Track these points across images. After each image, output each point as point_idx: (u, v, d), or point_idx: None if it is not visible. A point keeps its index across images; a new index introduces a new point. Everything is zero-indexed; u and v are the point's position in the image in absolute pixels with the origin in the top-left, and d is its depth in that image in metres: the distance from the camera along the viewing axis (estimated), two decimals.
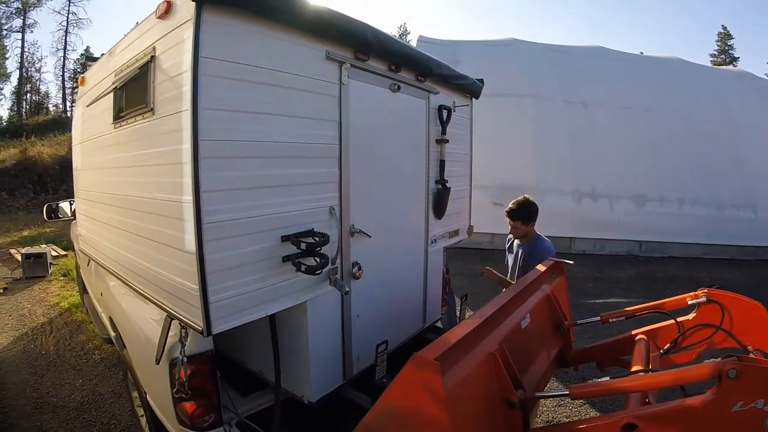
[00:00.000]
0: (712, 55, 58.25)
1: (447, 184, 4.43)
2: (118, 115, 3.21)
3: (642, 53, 19.86)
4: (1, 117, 43.61)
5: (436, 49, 14.94)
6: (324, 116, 3.04)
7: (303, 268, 2.74)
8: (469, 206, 5.29)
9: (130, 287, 3.38)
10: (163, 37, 2.56)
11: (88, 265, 5.46)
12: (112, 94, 3.30)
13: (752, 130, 14.71)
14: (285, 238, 2.74)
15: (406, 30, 68.71)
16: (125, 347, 4.05)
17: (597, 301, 9.07)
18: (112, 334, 4.68)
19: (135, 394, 4.38)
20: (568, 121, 14.38)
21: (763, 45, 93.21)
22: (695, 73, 16.19)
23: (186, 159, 2.27)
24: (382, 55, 3.49)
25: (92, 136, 4.01)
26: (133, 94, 2.89)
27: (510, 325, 2.86)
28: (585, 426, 2.41)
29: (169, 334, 2.93)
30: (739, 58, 57.18)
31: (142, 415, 4.24)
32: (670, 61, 17.12)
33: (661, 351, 3.07)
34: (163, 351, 2.94)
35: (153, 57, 2.66)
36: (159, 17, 2.56)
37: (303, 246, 2.76)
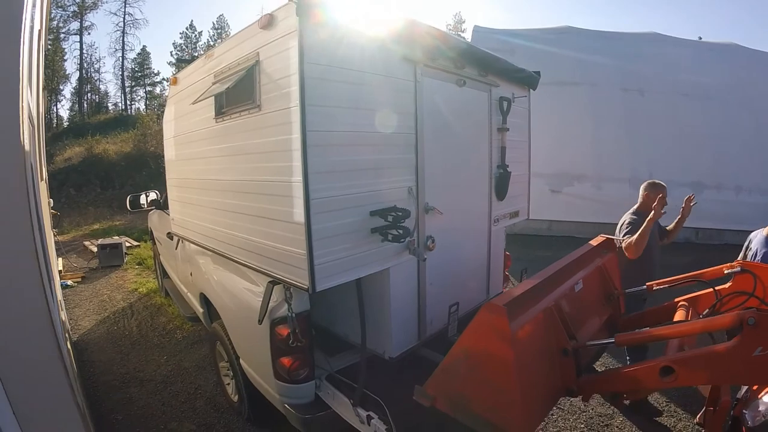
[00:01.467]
0: None
1: (508, 169, 4.83)
2: (220, 111, 3.73)
3: (701, 38, 19.36)
4: (63, 117, 45.35)
5: (491, 38, 15.22)
6: (403, 109, 3.52)
7: (390, 237, 3.26)
8: (528, 190, 5.65)
9: (232, 261, 3.90)
10: (267, 44, 3.05)
11: (176, 249, 5.96)
12: (209, 90, 3.77)
13: None
14: (373, 213, 3.24)
15: (461, 18, 68.50)
16: (219, 318, 4.58)
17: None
18: (200, 310, 5.27)
19: (222, 363, 4.89)
20: (624, 109, 14.25)
21: None
22: (754, 59, 15.71)
23: (296, 147, 2.78)
24: (448, 55, 3.92)
25: (189, 130, 4.53)
26: (237, 92, 3.35)
27: (564, 288, 3.26)
28: (631, 370, 2.85)
29: (272, 298, 3.41)
30: None
31: (228, 384, 4.82)
32: (727, 46, 16.66)
33: (701, 316, 3.29)
34: (265, 313, 3.43)
35: (258, 61, 3.14)
36: (262, 27, 3.04)
37: (389, 218, 3.26)
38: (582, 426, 4.61)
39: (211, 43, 57.00)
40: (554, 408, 4.72)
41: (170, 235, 5.96)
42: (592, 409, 4.85)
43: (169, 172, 5.47)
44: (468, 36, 21.73)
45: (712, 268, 3.76)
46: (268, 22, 2.98)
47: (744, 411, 3.12)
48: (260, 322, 3.46)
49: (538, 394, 2.83)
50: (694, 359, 2.65)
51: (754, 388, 3.20)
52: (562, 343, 2.94)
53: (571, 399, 4.88)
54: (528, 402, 2.64)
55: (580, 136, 13.99)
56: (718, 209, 13.46)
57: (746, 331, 2.41)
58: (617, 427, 4.58)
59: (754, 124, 14.01)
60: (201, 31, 55.49)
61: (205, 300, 5.06)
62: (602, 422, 4.66)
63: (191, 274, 5.42)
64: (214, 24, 58.90)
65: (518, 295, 2.78)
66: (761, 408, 2.97)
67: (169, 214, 5.82)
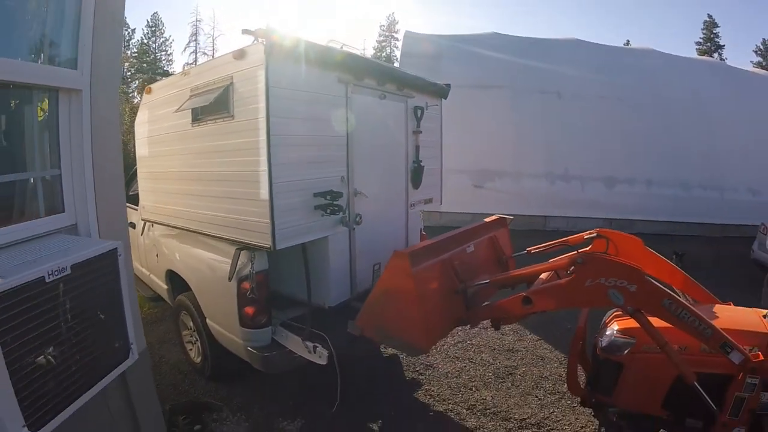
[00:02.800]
0: (697, 43, 59.11)
1: (422, 164, 6.07)
2: (196, 118, 4.80)
3: (628, 42, 20.22)
4: None
5: (421, 43, 16.15)
6: (337, 118, 4.70)
7: (328, 210, 4.46)
8: (440, 181, 6.91)
9: (205, 235, 4.95)
10: (239, 71, 4.17)
11: (141, 235, 6.77)
12: (189, 101, 4.80)
13: (721, 117, 15.23)
14: (316, 194, 4.43)
15: (395, 19, 69.89)
16: (184, 291, 5.58)
17: None
18: (164, 287, 6.17)
19: (185, 332, 5.83)
20: (543, 110, 15.09)
21: (747, 34, 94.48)
22: (669, 64, 16.66)
23: (263, 146, 3.93)
24: (372, 76, 5.14)
25: (165, 132, 5.51)
26: (213, 104, 4.41)
27: (459, 249, 4.43)
28: (502, 301, 3.91)
29: (239, 261, 4.47)
30: (724, 46, 58.05)
31: (191, 349, 5.77)
32: (645, 52, 17.55)
33: (568, 272, 3.75)
34: (234, 272, 4.48)
35: (232, 83, 4.26)
36: (235, 58, 4.18)
37: (327, 198, 4.46)
38: (490, 374, 5.69)
39: (145, 41, 57.01)
40: (466, 362, 5.93)
41: (132, 224, 6.70)
42: (499, 362, 5.97)
43: (141, 167, 6.32)
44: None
45: (576, 235, 4.65)
46: (241, 54, 4.11)
47: (599, 338, 3.89)
48: (230, 279, 4.50)
49: (437, 319, 3.95)
50: (544, 290, 3.69)
51: (607, 321, 4.02)
52: (453, 284, 4.08)
53: (482, 355, 6.11)
54: (428, 323, 3.79)
55: (502, 135, 14.88)
56: (630, 201, 14.59)
57: (577, 268, 3.42)
58: (519, 375, 5.67)
59: (666, 124, 15.05)
60: (134, 29, 55.32)
61: (170, 277, 5.97)
62: (507, 372, 5.74)
63: (157, 256, 6.27)
64: (148, 22, 58.79)
65: (419, 248, 4.00)
66: (608, 333, 3.83)
67: (135, 208, 6.68)
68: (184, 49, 64.52)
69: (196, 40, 63.40)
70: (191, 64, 59.99)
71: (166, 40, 61.48)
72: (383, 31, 69.73)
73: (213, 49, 62.75)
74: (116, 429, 3.24)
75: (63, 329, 2.12)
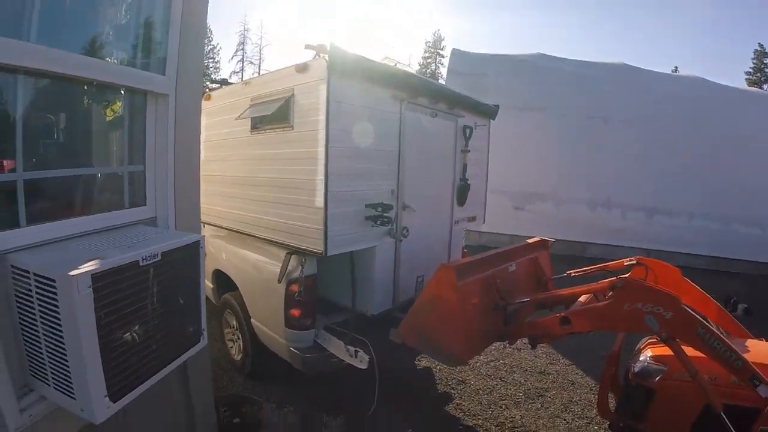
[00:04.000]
0: (747, 73, 58.39)
1: (468, 182, 6.24)
2: (255, 126, 5.08)
3: (676, 68, 19.64)
4: None
5: (468, 61, 16.11)
6: (390, 133, 4.92)
7: (378, 222, 4.65)
8: (484, 200, 7.08)
9: (258, 238, 5.18)
10: (301, 84, 4.42)
11: None
12: (250, 110, 5.06)
13: (764, 150, 14.73)
14: (367, 205, 4.64)
15: (441, 36, 70.53)
16: (230, 290, 5.83)
17: None
18: (211, 287, 6.37)
19: (227, 330, 6.07)
20: (588, 135, 14.88)
21: None
22: (716, 94, 16.17)
23: (321, 156, 4.16)
24: (425, 94, 5.33)
25: (222, 137, 5.81)
26: (274, 114, 4.64)
27: (502, 268, 4.57)
28: (541, 320, 4.10)
29: (289, 264, 4.68)
30: None
31: (232, 347, 5.99)
32: (693, 80, 17.03)
33: (607, 296, 3.86)
34: (284, 274, 4.69)
35: (293, 95, 4.50)
36: (298, 71, 4.42)
37: (378, 209, 4.66)
38: (521, 394, 5.74)
39: None
40: (498, 380, 6.00)
41: None
42: (530, 383, 6.01)
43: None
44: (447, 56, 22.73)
45: (615, 261, 4.77)
46: (304, 68, 4.36)
47: (632, 363, 3.99)
48: (279, 281, 4.70)
49: (476, 332, 4.12)
50: (583, 312, 3.84)
51: (642, 347, 4.12)
52: (494, 300, 4.23)
53: (514, 375, 6.17)
54: (469, 335, 3.98)
55: (545, 158, 14.79)
56: (670, 233, 14.20)
57: (616, 292, 3.56)
58: (549, 397, 5.67)
59: (711, 155, 14.58)
60: None
61: (216, 276, 6.21)
62: (537, 393, 5.77)
63: (205, 255, 6.53)
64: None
65: (464, 263, 4.18)
66: (641, 359, 3.94)
67: None
68: (232, 57, 66.25)
69: (243, 48, 64.92)
70: (238, 72, 61.19)
71: (214, 48, 63.03)
72: (428, 47, 70.31)
73: (260, 59, 64.04)
74: (175, 413, 3.45)
75: (149, 310, 2.32)
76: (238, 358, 5.85)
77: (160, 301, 2.39)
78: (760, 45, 58.46)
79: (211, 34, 62.16)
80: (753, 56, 58.63)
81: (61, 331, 2.02)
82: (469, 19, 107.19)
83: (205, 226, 6.44)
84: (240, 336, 5.72)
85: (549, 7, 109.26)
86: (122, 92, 3.01)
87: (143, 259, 2.25)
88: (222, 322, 6.18)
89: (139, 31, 3.03)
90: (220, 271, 6.07)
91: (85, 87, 2.79)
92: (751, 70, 58.38)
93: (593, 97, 15.40)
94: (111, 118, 3.03)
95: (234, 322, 5.83)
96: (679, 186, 14.55)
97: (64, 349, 2.04)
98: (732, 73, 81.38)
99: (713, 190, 14.46)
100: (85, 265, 2.02)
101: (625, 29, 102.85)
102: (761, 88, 47.49)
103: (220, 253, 6.07)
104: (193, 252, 2.74)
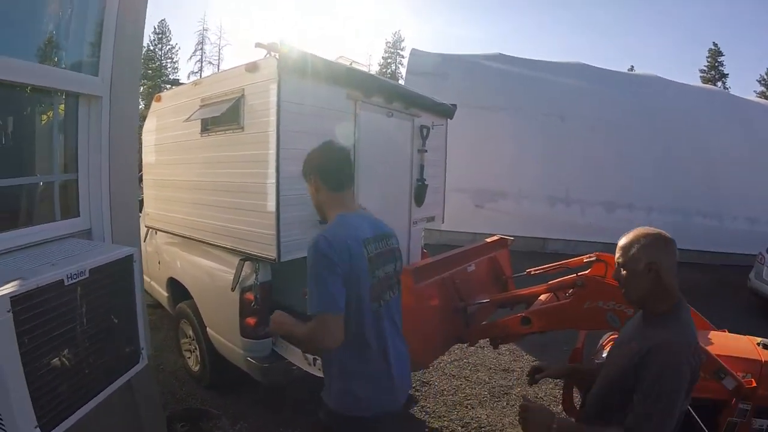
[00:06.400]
0: (701, 71, 59.59)
1: (425, 182, 6.14)
2: (205, 128, 4.87)
3: (632, 67, 20.31)
4: None
5: (427, 61, 16.27)
6: (345, 134, 4.73)
7: None
8: (443, 200, 6.99)
9: (209, 244, 5.00)
10: (251, 83, 4.25)
11: (144, 242, 6.75)
12: (199, 111, 4.85)
13: (722, 146, 15.18)
14: None
15: (401, 37, 70.78)
16: (185, 300, 5.60)
17: None
18: (165, 295, 6.18)
19: (184, 340, 5.84)
20: (545, 132, 15.17)
21: (752, 63, 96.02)
22: (672, 91, 16.82)
23: (271, 159, 3.99)
24: (380, 94, 5.20)
25: (173, 140, 5.60)
26: (223, 115, 4.46)
27: (460, 268, 4.52)
28: (501, 320, 4.06)
29: (243, 271, 4.51)
30: (728, 74, 58.81)
31: (189, 357, 5.76)
32: (649, 78, 17.89)
33: (567, 294, 3.97)
34: (237, 282, 4.52)
35: (243, 95, 4.33)
36: (248, 70, 4.25)
37: None
38: (486, 393, 5.68)
39: (151, 48, 57.44)
40: (462, 380, 5.96)
41: None
42: (495, 381, 5.98)
43: (147, 173, 6.40)
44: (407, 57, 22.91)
45: (575, 258, 4.72)
46: (254, 67, 4.19)
47: (595, 359, 3.89)
48: (233, 289, 4.53)
49: (436, 335, 4.06)
50: (543, 311, 3.83)
51: (604, 343, 4.09)
52: (453, 302, 4.16)
53: (479, 373, 6.12)
54: (428, 338, 3.89)
55: (504, 156, 14.99)
56: (630, 227, 14.13)
57: (576, 291, 3.57)
58: (515, 395, 5.62)
59: (667, 150, 15.11)
60: None
61: (170, 285, 6.00)
62: (503, 391, 5.75)
63: (159, 263, 6.29)
64: (155, 29, 59.42)
65: (422, 265, 4.07)
66: (604, 355, 3.83)
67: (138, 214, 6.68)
68: (190, 58, 65.47)
69: (202, 49, 64.25)
70: (197, 72, 60.57)
71: (173, 47, 62.23)
72: (389, 47, 70.49)
73: (219, 59, 63.44)
74: None
75: (78, 332, 2.15)
76: (196, 369, 5.64)
77: (90, 322, 2.21)
78: (715, 44, 60.25)
79: (170, 33, 61.48)
80: (707, 55, 59.98)
81: None
82: (429, 20, 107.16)
83: (158, 233, 6.27)
84: (197, 346, 5.52)
85: (508, 8, 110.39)
86: (56, 95, 2.83)
87: (68, 277, 2.07)
88: (178, 332, 5.96)
89: (69, 30, 2.85)
90: (174, 279, 5.87)
91: (14, 90, 2.61)
92: (705, 68, 59.71)
93: (550, 96, 15.71)
94: (45, 123, 2.87)
95: (190, 332, 5.60)
96: (638, 180, 14.91)
97: None
98: (687, 72, 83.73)
99: (673, 184, 14.85)
100: (4, 287, 1.85)
101: (582, 26, 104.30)
102: (715, 85, 48.61)
103: (174, 260, 5.87)
104: (126, 267, 2.55)
